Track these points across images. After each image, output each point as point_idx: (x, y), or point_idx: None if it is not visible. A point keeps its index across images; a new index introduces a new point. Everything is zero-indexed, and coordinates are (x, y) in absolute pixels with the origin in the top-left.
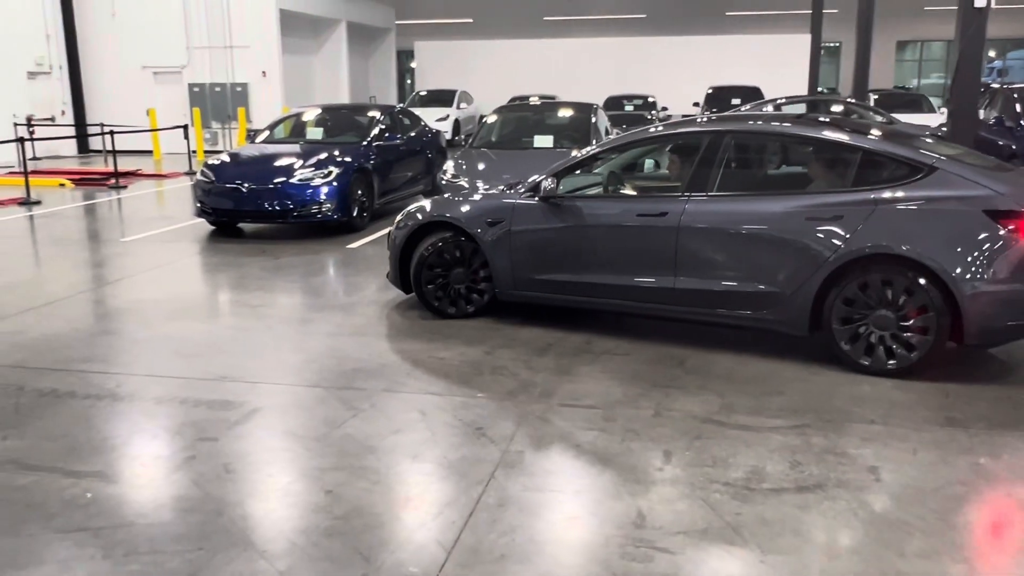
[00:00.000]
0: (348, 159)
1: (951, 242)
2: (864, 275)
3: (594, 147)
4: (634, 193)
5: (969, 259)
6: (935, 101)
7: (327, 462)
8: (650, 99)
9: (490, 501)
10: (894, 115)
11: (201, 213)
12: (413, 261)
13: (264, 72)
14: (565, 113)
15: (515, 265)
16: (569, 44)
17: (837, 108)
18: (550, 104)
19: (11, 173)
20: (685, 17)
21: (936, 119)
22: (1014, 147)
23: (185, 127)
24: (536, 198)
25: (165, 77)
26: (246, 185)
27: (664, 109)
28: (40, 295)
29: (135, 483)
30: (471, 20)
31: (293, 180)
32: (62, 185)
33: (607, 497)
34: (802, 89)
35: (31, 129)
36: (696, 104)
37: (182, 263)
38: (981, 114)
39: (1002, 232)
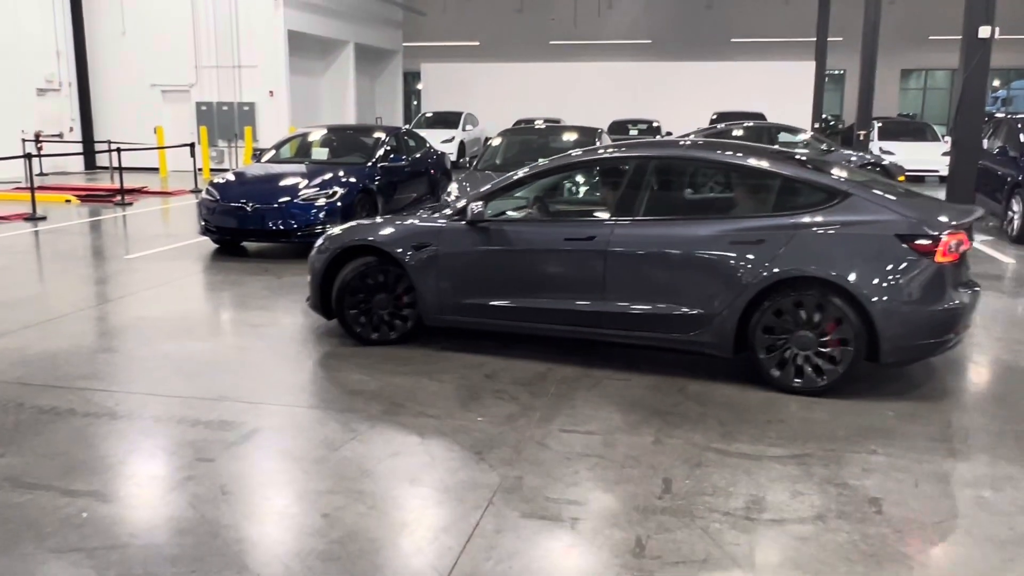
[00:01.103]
0: (352, 179)
1: (866, 264)
2: (786, 297)
3: (522, 170)
4: (562, 217)
5: (882, 280)
6: (939, 130)
7: (324, 485)
8: (654, 124)
9: (488, 527)
10: (899, 143)
11: (205, 232)
12: (335, 286)
13: (271, 92)
14: (570, 136)
15: (442, 290)
16: (575, 68)
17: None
18: (555, 127)
19: (18, 188)
20: (690, 43)
21: (940, 148)
22: (1019, 177)
23: (192, 145)
24: (463, 222)
25: (173, 95)
26: (250, 204)
27: (668, 134)
28: (43, 311)
29: (131, 503)
30: (478, 43)
31: (297, 200)
32: (68, 201)
33: (606, 525)
34: (807, 116)
35: (39, 145)
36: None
37: (185, 281)
38: (984, 143)
39: (912, 255)
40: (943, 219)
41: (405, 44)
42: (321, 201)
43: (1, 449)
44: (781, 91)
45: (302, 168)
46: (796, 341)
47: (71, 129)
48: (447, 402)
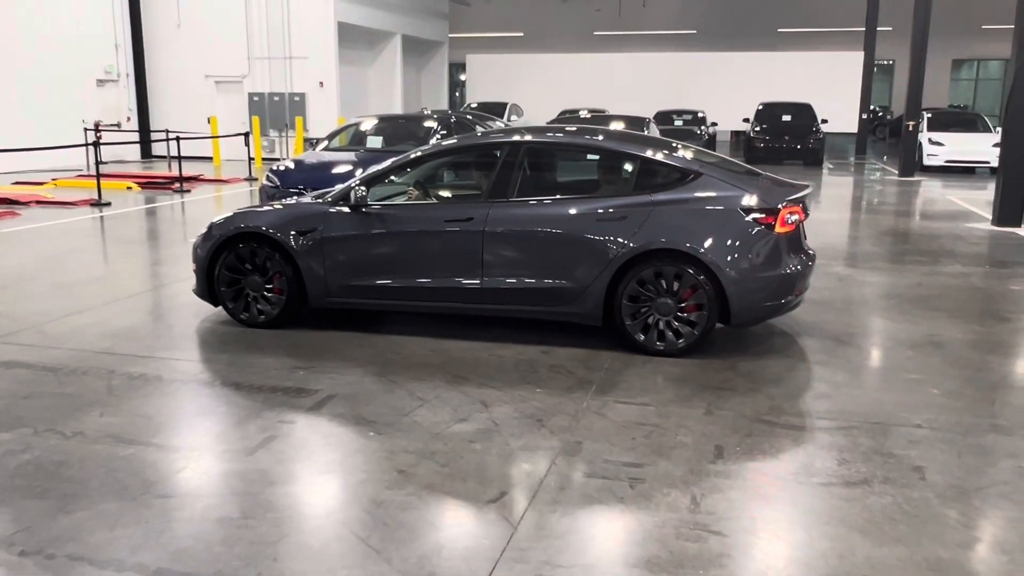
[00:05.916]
0: None
1: (716, 236)
2: (647, 268)
3: (402, 156)
4: (442, 200)
5: (730, 250)
6: (991, 121)
7: (398, 445)
8: (700, 114)
9: (551, 484)
10: (950, 133)
11: None
12: (216, 272)
13: (321, 83)
14: (618, 126)
15: (329, 272)
16: (619, 59)
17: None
18: (603, 117)
19: (80, 176)
20: (736, 33)
21: (992, 139)
22: None
23: (245, 135)
24: (347, 206)
25: (226, 86)
26: (308, 190)
27: (714, 124)
28: (119, 289)
29: (224, 458)
30: (522, 34)
31: None
32: (129, 188)
33: (663, 484)
34: (854, 107)
35: (98, 134)
36: (746, 120)
37: None
38: None
39: (754, 226)
40: (781, 194)
41: (450, 35)
42: None
43: (100, 410)
44: (828, 82)
45: (356, 156)
46: (657, 307)
47: (128, 119)
48: (507, 374)
